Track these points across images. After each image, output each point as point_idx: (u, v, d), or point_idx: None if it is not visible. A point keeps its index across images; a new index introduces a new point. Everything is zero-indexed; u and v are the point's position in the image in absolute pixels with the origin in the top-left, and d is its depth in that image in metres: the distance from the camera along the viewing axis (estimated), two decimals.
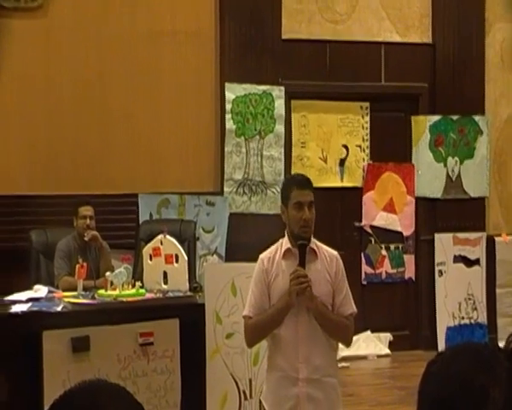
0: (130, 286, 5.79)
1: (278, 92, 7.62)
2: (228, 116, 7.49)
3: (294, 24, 7.82)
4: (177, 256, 6.06)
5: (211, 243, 7.25)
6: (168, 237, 6.08)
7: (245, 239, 7.22)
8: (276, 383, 3.89)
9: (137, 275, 6.12)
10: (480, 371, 1.33)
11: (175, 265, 6.06)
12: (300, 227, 3.84)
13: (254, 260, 6.85)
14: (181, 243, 6.23)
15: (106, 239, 6.31)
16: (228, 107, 7.48)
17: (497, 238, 8.33)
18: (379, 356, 7.79)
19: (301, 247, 3.79)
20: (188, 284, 6.02)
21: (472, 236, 8.23)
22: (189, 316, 5.94)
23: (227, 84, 7.48)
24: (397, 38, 8.16)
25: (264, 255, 3.98)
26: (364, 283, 8.05)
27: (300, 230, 3.84)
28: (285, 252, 3.88)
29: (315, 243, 3.94)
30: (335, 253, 4.02)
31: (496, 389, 1.31)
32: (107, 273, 5.81)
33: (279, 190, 7.56)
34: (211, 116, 7.56)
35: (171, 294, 5.93)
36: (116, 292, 5.69)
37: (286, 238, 3.92)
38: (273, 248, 3.98)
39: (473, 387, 1.32)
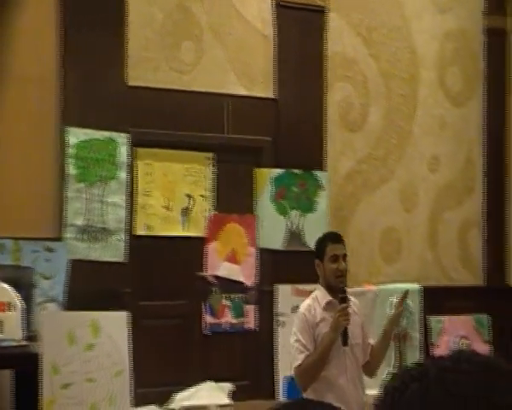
0: None
1: (122, 139, 7.52)
2: (69, 161, 7.30)
3: (140, 71, 7.79)
4: (11, 304, 5.80)
5: (50, 289, 6.97)
6: (1, 283, 5.84)
7: (85, 287, 7.02)
8: None
9: None
10: None
11: (9, 313, 5.79)
12: (336, 277, 4.28)
13: (94, 308, 6.71)
14: (18, 289, 5.98)
15: None
16: (69, 151, 7.29)
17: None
18: (220, 406, 7.72)
19: (342, 300, 4.25)
20: (23, 333, 5.75)
21: (311, 287, 8.37)
22: (23, 366, 5.70)
23: (68, 129, 7.30)
24: (242, 92, 8.30)
25: (304, 308, 4.37)
26: (206, 333, 8.00)
27: (337, 280, 4.29)
28: (326, 304, 4.32)
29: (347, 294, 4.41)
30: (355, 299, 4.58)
31: None
32: None
33: (121, 237, 7.45)
34: (51, 161, 7.34)
35: (4, 343, 5.65)
36: None
37: (322, 291, 4.38)
38: (309, 301, 4.41)
39: None
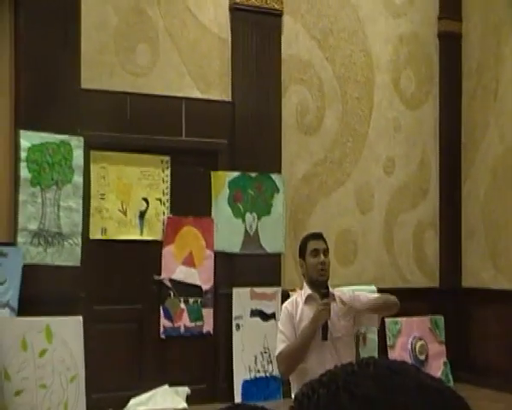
0: None
1: (77, 142, 7.46)
2: (22, 164, 7.20)
3: (95, 74, 7.73)
4: None
5: (2, 295, 6.86)
6: None
7: (39, 292, 6.93)
8: None
9: None
10: None
11: None
12: (318, 271, 4.41)
13: (49, 313, 6.63)
14: None
15: None
16: (23, 155, 7.20)
17: (291, 293, 8.53)
18: None
19: (324, 295, 4.38)
20: None
21: (268, 290, 8.41)
22: None
23: (22, 132, 7.21)
24: (197, 95, 8.29)
25: (287, 303, 4.57)
26: (163, 337, 7.96)
27: (318, 273, 4.41)
28: (307, 298, 4.45)
29: (331, 289, 4.53)
30: (345, 290, 4.75)
31: None
32: None
33: (76, 241, 7.38)
34: (4, 164, 7.26)
35: None
36: None
37: (305, 287, 4.50)
38: (294, 297, 4.61)
39: None
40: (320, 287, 4.42)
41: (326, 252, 4.50)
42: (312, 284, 4.46)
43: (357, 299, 4.56)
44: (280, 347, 4.42)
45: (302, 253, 4.54)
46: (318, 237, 4.61)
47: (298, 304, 4.49)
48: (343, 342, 4.46)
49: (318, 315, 4.33)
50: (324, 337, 4.36)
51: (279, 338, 4.45)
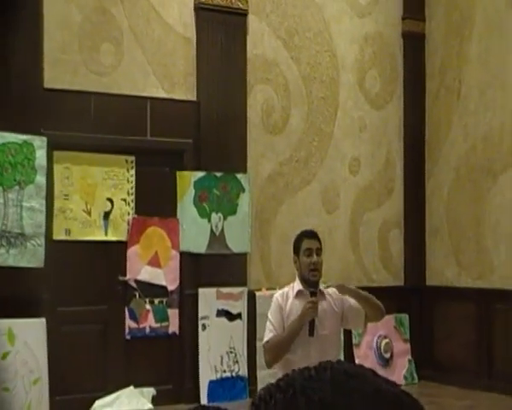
0: None
1: (40, 142, 7.37)
2: None
3: (58, 74, 7.66)
4: None
5: None
6: None
7: (1, 294, 6.85)
8: None
9: None
10: None
11: None
12: (310, 271, 4.54)
13: (11, 315, 6.55)
14: None
15: None
16: None
17: (257, 293, 8.56)
18: None
19: (312, 293, 4.50)
20: None
21: (234, 290, 8.40)
22: None
23: None
24: (162, 94, 8.25)
25: (278, 294, 4.69)
26: (128, 337, 7.92)
27: (310, 273, 4.54)
28: (297, 293, 4.59)
29: (322, 286, 4.63)
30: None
31: None
32: None
33: (40, 242, 7.30)
34: None
35: None
36: None
37: (297, 281, 4.63)
38: (285, 289, 4.70)
39: None
40: (311, 286, 4.52)
41: (319, 251, 4.60)
42: (304, 281, 4.57)
43: (346, 299, 4.64)
44: (268, 335, 4.54)
45: (296, 250, 4.64)
46: (313, 235, 4.70)
47: (288, 297, 4.60)
48: (329, 339, 4.56)
49: (305, 312, 4.45)
50: (311, 334, 4.47)
51: (267, 327, 4.57)
